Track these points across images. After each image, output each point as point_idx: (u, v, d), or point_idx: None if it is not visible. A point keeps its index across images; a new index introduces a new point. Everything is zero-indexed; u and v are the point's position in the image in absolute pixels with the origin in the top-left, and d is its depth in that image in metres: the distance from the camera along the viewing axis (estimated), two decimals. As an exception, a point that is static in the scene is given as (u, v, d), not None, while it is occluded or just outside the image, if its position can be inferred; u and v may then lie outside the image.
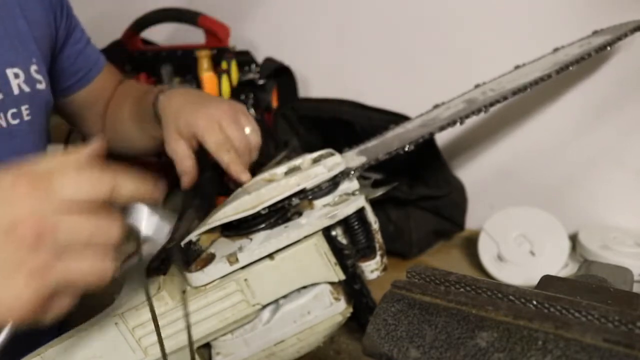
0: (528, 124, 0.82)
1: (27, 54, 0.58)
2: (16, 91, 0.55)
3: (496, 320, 0.30)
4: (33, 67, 0.58)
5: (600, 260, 0.66)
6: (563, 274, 0.70)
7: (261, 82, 0.95)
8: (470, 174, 0.88)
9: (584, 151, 0.78)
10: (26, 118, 0.56)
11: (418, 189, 0.79)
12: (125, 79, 0.80)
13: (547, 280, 0.40)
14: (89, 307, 0.49)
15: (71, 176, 0.32)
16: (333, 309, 0.48)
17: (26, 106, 0.57)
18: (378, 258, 0.50)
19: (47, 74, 0.61)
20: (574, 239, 0.74)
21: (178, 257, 0.48)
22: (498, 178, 0.87)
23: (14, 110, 0.55)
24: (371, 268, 0.50)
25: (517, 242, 0.73)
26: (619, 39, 0.64)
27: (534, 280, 0.41)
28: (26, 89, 0.57)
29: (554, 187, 0.81)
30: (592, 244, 0.70)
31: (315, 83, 1.02)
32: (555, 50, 0.72)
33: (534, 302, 0.31)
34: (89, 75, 0.71)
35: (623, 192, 0.77)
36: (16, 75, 0.56)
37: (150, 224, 0.38)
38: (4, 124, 0.54)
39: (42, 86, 0.59)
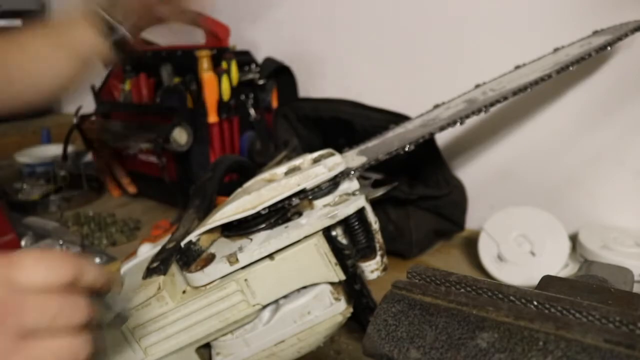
0: (528, 124, 0.82)
1: None
2: None
3: (497, 320, 0.30)
4: None
5: (600, 260, 0.66)
6: (563, 274, 0.70)
7: (261, 82, 0.96)
8: (470, 174, 0.88)
9: (584, 151, 0.78)
10: None
11: (418, 189, 0.79)
12: None
13: (548, 281, 0.40)
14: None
15: (30, 262, 0.32)
16: (333, 309, 0.48)
17: None
18: (378, 258, 0.50)
19: None
20: (574, 239, 0.74)
21: (178, 257, 0.48)
22: (498, 178, 0.87)
23: None
24: (371, 268, 0.50)
25: (517, 242, 0.73)
26: (619, 39, 0.64)
27: (534, 280, 0.41)
28: None
29: (554, 187, 0.82)
30: (592, 244, 0.70)
31: (315, 83, 1.03)
32: (556, 50, 0.72)
33: (535, 303, 0.31)
34: None
35: (623, 192, 0.77)
36: None
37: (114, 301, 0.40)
38: None
39: None
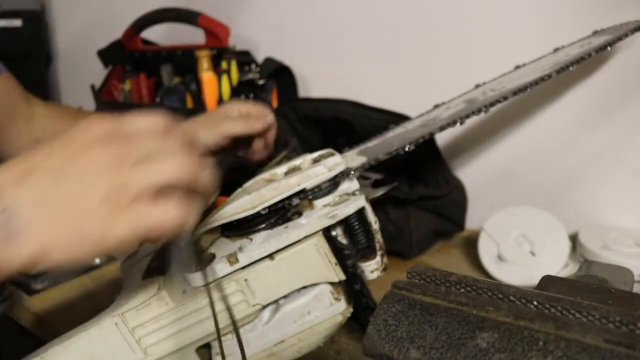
0: (528, 124, 0.82)
1: None
2: None
3: (497, 320, 0.30)
4: None
5: (600, 260, 0.66)
6: (563, 274, 0.70)
7: (261, 82, 0.96)
8: (470, 174, 0.88)
9: (584, 151, 0.78)
10: None
11: (418, 189, 0.79)
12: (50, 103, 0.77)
13: (548, 281, 0.40)
14: (89, 307, 0.49)
15: (136, 115, 0.36)
16: (333, 309, 0.48)
17: None
18: (378, 258, 0.50)
19: None
20: (574, 239, 0.74)
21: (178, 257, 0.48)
22: (498, 178, 0.87)
23: None
24: (371, 268, 0.50)
25: (517, 242, 0.73)
26: (619, 39, 0.64)
27: (534, 280, 0.41)
28: None
29: (554, 187, 0.82)
30: (592, 244, 0.70)
31: (315, 83, 1.03)
32: (556, 50, 0.72)
33: (535, 303, 0.31)
34: None
35: (623, 192, 0.77)
36: None
37: None
38: None
39: None
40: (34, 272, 0.33)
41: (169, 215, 0.34)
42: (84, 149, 0.33)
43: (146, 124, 0.35)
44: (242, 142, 0.71)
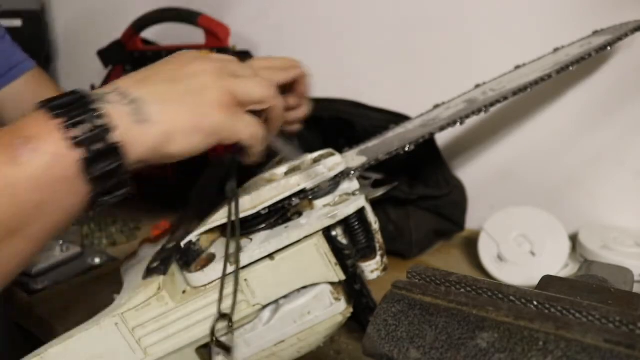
0: (528, 124, 0.82)
1: None
2: None
3: (497, 320, 0.30)
4: None
5: (600, 260, 0.66)
6: (563, 274, 0.70)
7: (261, 82, 0.95)
8: (470, 174, 0.88)
9: (584, 151, 0.78)
10: None
11: (418, 189, 0.79)
12: None
13: (548, 281, 0.40)
14: (89, 307, 0.49)
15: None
16: (333, 309, 0.48)
17: None
18: (378, 258, 0.50)
19: None
20: (574, 239, 0.74)
21: (178, 257, 0.48)
22: (498, 178, 0.87)
23: None
24: (371, 268, 0.50)
25: (517, 242, 0.73)
26: (619, 39, 0.64)
27: (534, 280, 0.41)
28: None
29: (554, 187, 0.82)
30: (592, 244, 0.70)
31: (315, 83, 1.02)
32: (556, 50, 0.72)
33: (535, 303, 0.31)
34: (6, 75, 0.65)
35: (623, 192, 0.77)
36: None
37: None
38: None
39: None
40: (157, 161, 0.37)
41: (260, 128, 0.42)
42: (190, 60, 0.40)
43: (224, 56, 0.43)
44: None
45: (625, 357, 0.26)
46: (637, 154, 0.75)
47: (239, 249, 0.45)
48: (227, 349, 0.46)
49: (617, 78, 0.74)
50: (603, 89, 0.75)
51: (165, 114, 0.36)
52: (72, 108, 0.33)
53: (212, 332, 0.44)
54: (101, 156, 0.33)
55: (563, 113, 0.79)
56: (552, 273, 0.52)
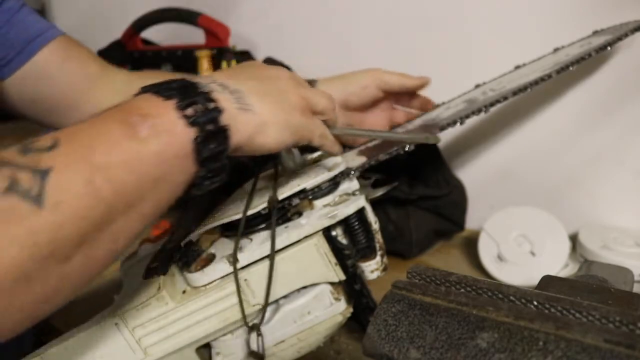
0: (528, 124, 0.82)
1: None
2: None
3: (497, 320, 0.30)
4: None
5: (600, 260, 0.66)
6: (563, 274, 0.70)
7: (261, 82, 0.95)
8: (470, 174, 0.88)
9: (584, 151, 0.78)
10: None
11: (418, 189, 0.79)
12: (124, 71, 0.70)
13: (548, 281, 0.40)
14: (89, 307, 0.49)
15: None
16: (333, 309, 0.48)
17: None
18: (378, 258, 0.50)
19: None
20: (574, 239, 0.74)
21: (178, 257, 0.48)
22: (498, 178, 0.87)
23: None
24: (371, 268, 0.50)
25: (517, 242, 0.73)
26: (619, 39, 0.64)
27: (534, 280, 0.41)
28: None
29: (554, 187, 0.81)
30: (592, 244, 0.70)
31: (315, 83, 1.02)
32: (556, 50, 0.72)
33: (535, 303, 0.31)
34: (26, 49, 0.60)
35: (623, 192, 0.77)
36: None
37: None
38: None
39: None
40: (247, 152, 0.39)
41: (327, 130, 0.45)
42: (265, 66, 0.44)
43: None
44: (398, 98, 0.73)
45: (625, 357, 0.26)
46: (637, 154, 0.75)
47: (236, 248, 0.45)
48: (261, 358, 0.46)
49: (617, 78, 0.74)
50: (603, 89, 0.75)
51: (263, 107, 0.39)
52: (182, 91, 0.34)
53: (248, 345, 0.46)
54: (212, 137, 0.34)
55: (563, 113, 0.79)
56: (552, 273, 0.52)
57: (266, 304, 0.45)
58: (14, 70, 0.60)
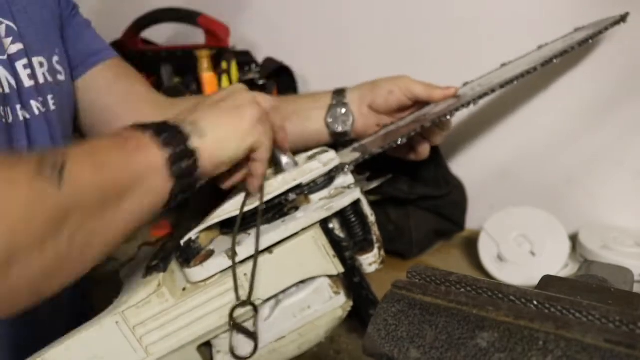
0: (528, 124, 0.82)
1: (49, 43, 0.59)
2: (41, 80, 0.57)
3: (497, 320, 0.30)
4: (55, 58, 0.59)
5: (600, 260, 0.66)
6: (563, 274, 0.70)
7: (261, 82, 0.95)
8: (470, 174, 0.88)
9: (584, 151, 0.79)
10: (52, 107, 0.58)
11: (418, 189, 0.79)
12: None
13: (548, 280, 0.40)
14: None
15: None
16: (333, 303, 0.48)
17: (51, 96, 0.58)
18: (376, 251, 0.50)
19: (67, 66, 0.62)
20: (574, 239, 0.74)
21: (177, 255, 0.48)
22: (498, 178, 0.87)
23: (41, 98, 0.57)
24: (369, 261, 0.50)
25: (517, 242, 0.73)
26: (600, 32, 0.66)
27: (534, 280, 0.41)
28: (49, 78, 0.58)
29: (554, 187, 0.82)
30: (592, 244, 0.70)
31: (315, 83, 1.02)
32: (540, 47, 0.73)
33: (535, 303, 0.31)
34: (85, 62, 0.67)
35: (623, 192, 0.77)
36: (41, 65, 0.57)
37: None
38: (36, 112, 0.56)
39: (62, 77, 0.60)
40: (214, 169, 0.46)
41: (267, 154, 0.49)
42: (233, 91, 0.50)
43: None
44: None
45: (625, 357, 0.26)
46: (636, 154, 0.75)
47: (234, 244, 0.46)
48: (251, 334, 0.46)
49: (617, 78, 0.74)
50: (602, 89, 0.75)
51: (215, 129, 0.45)
52: (159, 126, 0.44)
53: (231, 316, 0.45)
54: (182, 156, 0.43)
55: (563, 113, 0.79)
56: (552, 273, 0.52)
57: (253, 277, 0.46)
58: (75, 77, 0.67)
